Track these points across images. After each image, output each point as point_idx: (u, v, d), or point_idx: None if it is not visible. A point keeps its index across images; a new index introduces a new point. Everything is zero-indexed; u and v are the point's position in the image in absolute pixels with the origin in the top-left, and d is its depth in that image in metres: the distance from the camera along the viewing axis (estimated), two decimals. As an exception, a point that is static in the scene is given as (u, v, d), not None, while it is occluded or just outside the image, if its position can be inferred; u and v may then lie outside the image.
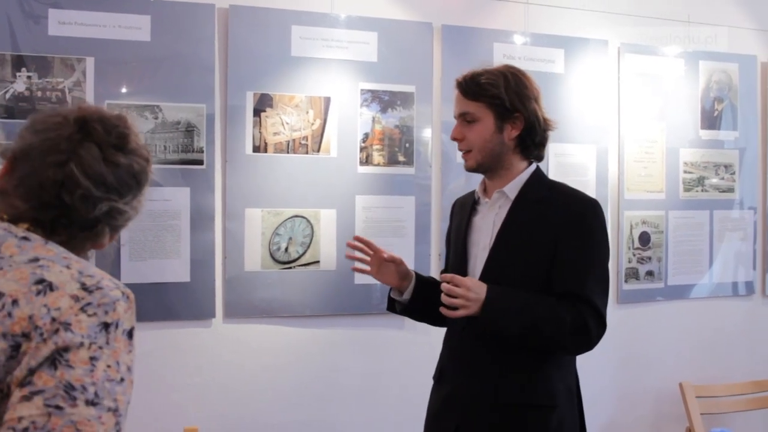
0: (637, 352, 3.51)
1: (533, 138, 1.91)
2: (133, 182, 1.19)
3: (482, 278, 1.86)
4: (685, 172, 3.60)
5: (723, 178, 3.69)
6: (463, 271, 1.93)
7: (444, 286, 1.80)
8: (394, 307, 2.10)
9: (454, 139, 1.94)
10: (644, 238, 3.49)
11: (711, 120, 3.67)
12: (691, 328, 3.62)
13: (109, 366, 1.02)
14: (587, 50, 3.40)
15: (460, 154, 1.98)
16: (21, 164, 1.14)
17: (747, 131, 3.75)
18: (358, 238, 2.05)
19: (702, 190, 3.64)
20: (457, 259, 2.00)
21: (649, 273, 3.50)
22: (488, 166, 1.92)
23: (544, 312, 1.79)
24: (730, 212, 3.71)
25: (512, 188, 1.91)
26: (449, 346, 2.02)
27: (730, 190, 3.71)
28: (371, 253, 2.03)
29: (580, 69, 3.38)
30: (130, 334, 1.08)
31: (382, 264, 2.03)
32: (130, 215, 1.20)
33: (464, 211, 2.03)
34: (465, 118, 1.91)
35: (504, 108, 1.87)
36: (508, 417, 1.85)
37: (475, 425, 1.87)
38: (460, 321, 1.88)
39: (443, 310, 1.81)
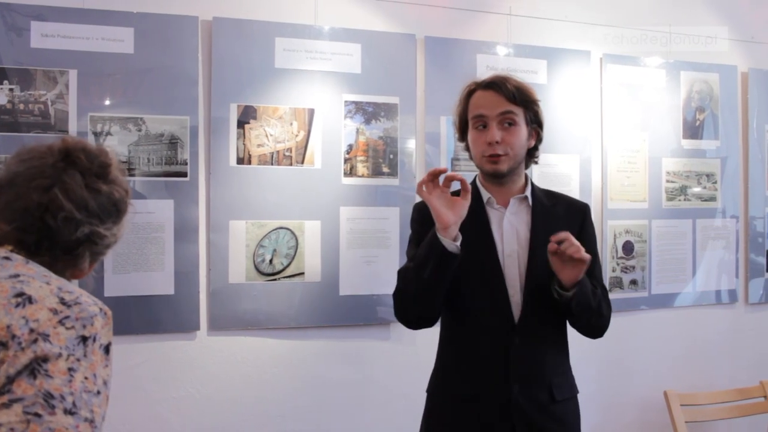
0: (622, 361, 3.53)
1: (536, 153, 1.99)
2: (113, 209, 1.25)
3: (527, 283, 1.87)
4: (667, 181, 3.63)
5: (705, 187, 3.73)
6: (500, 279, 1.87)
7: (564, 241, 1.76)
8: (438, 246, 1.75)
9: (494, 142, 1.84)
10: (628, 248, 3.51)
11: (693, 129, 3.71)
12: (675, 337, 3.64)
13: (86, 378, 1.04)
14: (570, 61, 3.43)
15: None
16: (6, 191, 1.19)
17: (728, 140, 3.79)
18: (452, 176, 1.75)
19: (684, 199, 3.67)
20: (486, 268, 1.88)
21: (633, 282, 3.52)
22: (514, 171, 1.93)
23: (596, 295, 1.91)
24: (713, 221, 3.75)
25: (527, 194, 1.97)
26: (489, 358, 1.89)
27: (713, 199, 3.75)
28: (444, 184, 1.76)
29: (562, 80, 3.41)
30: (107, 349, 1.11)
31: (441, 192, 1.76)
32: (110, 241, 1.26)
33: (468, 219, 1.80)
34: (506, 120, 1.86)
35: (536, 118, 1.92)
36: (560, 413, 1.93)
37: (534, 428, 1.87)
38: (501, 328, 1.87)
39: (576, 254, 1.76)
